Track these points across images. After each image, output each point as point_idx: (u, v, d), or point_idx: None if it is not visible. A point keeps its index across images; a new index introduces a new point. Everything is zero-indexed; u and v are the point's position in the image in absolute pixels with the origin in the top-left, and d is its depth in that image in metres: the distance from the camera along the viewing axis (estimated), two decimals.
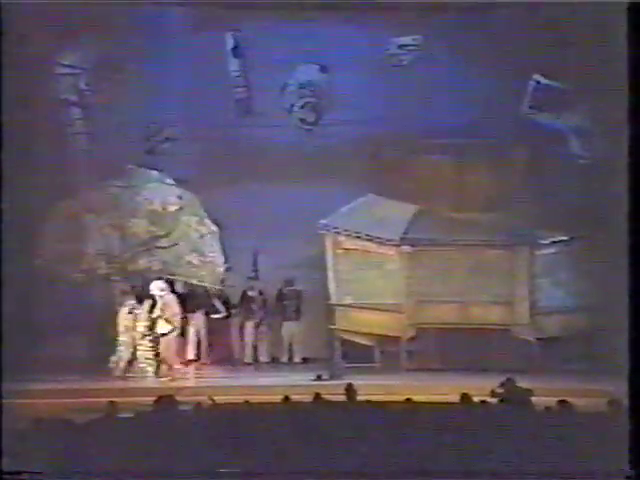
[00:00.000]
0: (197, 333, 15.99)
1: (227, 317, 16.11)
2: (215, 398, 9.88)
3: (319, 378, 14.04)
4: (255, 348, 16.24)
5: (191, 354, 15.96)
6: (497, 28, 15.79)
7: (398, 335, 15.42)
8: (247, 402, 9.47)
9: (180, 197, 15.86)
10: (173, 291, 15.15)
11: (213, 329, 16.10)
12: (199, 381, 14.41)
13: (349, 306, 15.63)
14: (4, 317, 12.71)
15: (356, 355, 15.26)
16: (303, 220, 15.33)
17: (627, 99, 9.62)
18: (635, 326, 9.13)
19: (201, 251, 15.74)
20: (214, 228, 15.85)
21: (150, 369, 14.71)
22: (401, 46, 16.23)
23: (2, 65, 13.19)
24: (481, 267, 15.30)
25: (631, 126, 9.61)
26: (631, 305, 9.23)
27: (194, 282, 15.66)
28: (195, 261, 15.71)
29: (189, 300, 15.70)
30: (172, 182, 15.92)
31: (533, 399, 9.79)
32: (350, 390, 9.70)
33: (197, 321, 15.94)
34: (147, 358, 14.77)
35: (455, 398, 9.53)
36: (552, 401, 9.20)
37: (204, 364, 15.79)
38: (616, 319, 10.56)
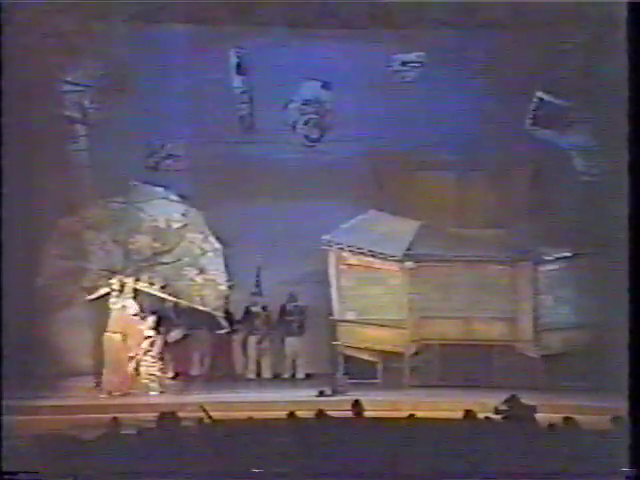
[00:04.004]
0: (200, 348, 16.04)
1: (230, 333, 16.13)
2: (219, 414, 9.88)
3: (322, 394, 14.04)
4: (258, 364, 16.25)
5: (195, 370, 16.03)
6: (499, 45, 15.86)
7: (401, 351, 15.41)
8: (250, 418, 9.48)
9: (184, 214, 15.90)
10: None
11: (216, 345, 16.13)
12: (202, 397, 14.35)
13: (352, 322, 15.62)
14: (6, 334, 12.71)
15: (359, 371, 15.23)
16: (306, 236, 15.37)
17: (628, 117, 9.65)
18: (636, 342, 9.13)
19: (204, 268, 15.77)
20: (217, 245, 15.89)
21: (153, 385, 14.73)
22: (404, 63, 16.30)
23: (4, 81, 13.24)
24: (484, 283, 15.31)
25: (632, 143, 9.64)
26: (631, 321, 9.23)
27: (196, 306, 15.68)
28: (198, 278, 15.74)
29: (193, 316, 15.76)
30: (176, 199, 15.97)
31: (537, 416, 9.78)
32: (357, 406, 9.68)
33: (200, 337, 15.98)
34: (150, 374, 14.80)
35: (458, 414, 9.52)
36: (556, 418, 9.21)
37: (207, 379, 15.83)
38: (619, 336, 10.55)
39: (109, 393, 14.40)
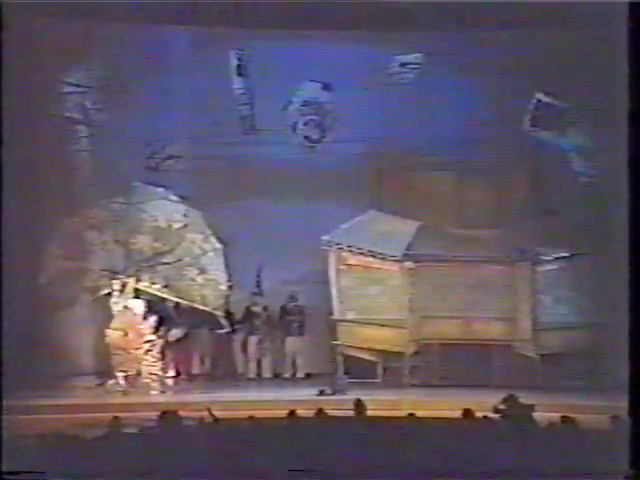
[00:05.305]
0: (201, 348, 16.11)
1: (231, 332, 16.18)
2: (219, 413, 9.93)
3: (322, 393, 14.09)
4: (259, 363, 16.30)
5: (196, 369, 16.10)
6: (498, 46, 15.91)
7: (401, 350, 15.45)
8: (251, 417, 9.52)
9: (185, 214, 15.95)
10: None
11: (217, 344, 16.19)
12: (202, 396, 14.40)
13: (352, 321, 15.66)
14: (8, 333, 12.75)
15: (359, 370, 15.28)
16: (307, 236, 15.42)
17: (627, 117, 9.70)
18: (636, 342, 9.17)
19: (204, 268, 15.82)
20: (218, 245, 15.94)
21: (154, 384, 14.79)
22: (403, 64, 16.35)
23: (4, 82, 13.28)
24: (483, 283, 15.33)
25: (632, 143, 9.68)
26: (632, 321, 9.27)
27: (197, 305, 15.75)
28: (198, 279, 15.79)
29: (193, 315, 15.82)
30: (176, 199, 16.02)
31: (535, 415, 9.83)
32: (359, 405, 9.73)
33: (201, 336, 16.05)
34: (151, 373, 14.86)
35: (458, 414, 9.57)
36: (554, 417, 9.25)
37: (208, 379, 15.90)
38: (617, 335, 10.60)
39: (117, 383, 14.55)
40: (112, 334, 14.73)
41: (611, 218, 13.21)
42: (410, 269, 15.42)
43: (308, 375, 16.13)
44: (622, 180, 9.91)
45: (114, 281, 15.09)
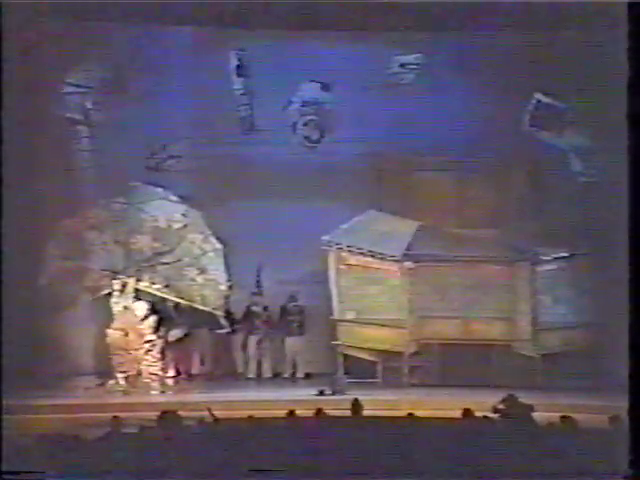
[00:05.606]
0: (201, 348, 16.12)
1: (231, 332, 16.19)
2: (219, 413, 9.94)
3: (321, 393, 14.11)
4: (258, 363, 16.31)
5: (196, 369, 16.11)
6: (498, 47, 15.93)
7: (400, 350, 15.47)
8: (251, 417, 9.54)
9: (184, 214, 15.97)
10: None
11: (217, 344, 16.20)
12: (202, 396, 14.42)
13: (352, 321, 15.69)
14: (8, 333, 12.76)
15: (359, 370, 15.29)
16: (306, 236, 15.42)
17: (626, 117, 9.70)
18: (635, 342, 9.17)
19: (204, 268, 15.84)
20: (218, 245, 15.96)
21: (155, 384, 14.81)
22: (403, 65, 16.36)
23: (5, 82, 13.28)
24: (482, 283, 15.36)
25: (631, 144, 9.68)
26: (631, 321, 9.28)
27: (197, 305, 15.78)
28: (198, 279, 15.81)
29: (193, 315, 15.84)
30: (176, 199, 16.04)
31: (534, 415, 9.84)
32: (356, 405, 9.75)
33: (201, 336, 16.06)
34: (151, 373, 14.88)
35: (457, 413, 9.58)
36: (554, 417, 9.26)
37: (208, 379, 15.91)
38: (617, 335, 10.61)
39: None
40: (112, 334, 14.77)
41: (611, 218, 13.22)
42: (410, 269, 15.43)
43: (308, 375, 16.14)
44: (622, 180, 9.90)
45: (114, 281, 15.12)
